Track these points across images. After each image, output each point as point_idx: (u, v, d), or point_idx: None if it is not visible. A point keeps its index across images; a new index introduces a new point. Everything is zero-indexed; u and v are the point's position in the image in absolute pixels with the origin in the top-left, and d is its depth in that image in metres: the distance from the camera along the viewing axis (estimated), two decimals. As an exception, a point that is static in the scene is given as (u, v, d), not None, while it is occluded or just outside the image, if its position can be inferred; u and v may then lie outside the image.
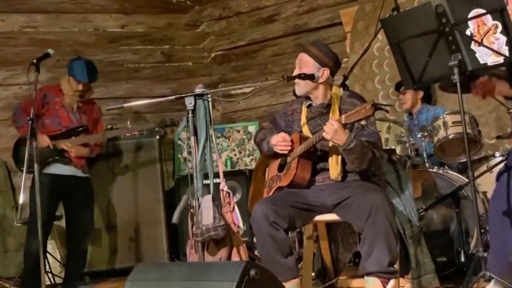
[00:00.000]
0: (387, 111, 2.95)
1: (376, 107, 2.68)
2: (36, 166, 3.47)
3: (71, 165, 4.38)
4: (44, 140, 4.24)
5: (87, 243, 4.57)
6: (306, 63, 3.08)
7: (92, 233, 4.66)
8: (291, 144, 3.07)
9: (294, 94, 3.93)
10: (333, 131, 2.78)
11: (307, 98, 3.16)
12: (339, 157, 2.96)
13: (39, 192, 3.56)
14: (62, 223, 4.59)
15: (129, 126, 5.11)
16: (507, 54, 2.52)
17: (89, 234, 4.57)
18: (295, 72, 3.08)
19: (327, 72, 3.07)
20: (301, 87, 3.09)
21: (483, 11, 2.54)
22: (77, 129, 4.43)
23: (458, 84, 2.66)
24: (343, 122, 2.78)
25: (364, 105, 2.71)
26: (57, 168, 4.36)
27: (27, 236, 4.27)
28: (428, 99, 4.70)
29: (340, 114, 2.87)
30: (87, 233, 4.51)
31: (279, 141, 3.09)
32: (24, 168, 3.64)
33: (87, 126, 4.47)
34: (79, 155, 4.41)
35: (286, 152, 3.09)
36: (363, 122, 2.80)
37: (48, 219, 4.19)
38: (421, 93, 4.59)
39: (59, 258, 4.88)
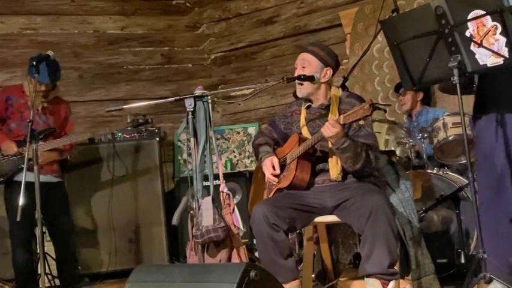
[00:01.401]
0: (385, 111, 2.96)
1: (374, 106, 2.68)
2: (36, 168, 3.47)
3: (45, 174, 4.13)
4: (11, 147, 4.03)
5: (73, 246, 4.46)
6: (309, 62, 3.07)
7: (88, 234, 4.61)
8: (277, 179, 3.11)
9: (294, 96, 3.93)
10: (334, 132, 2.78)
11: (307, 99, 3.16)
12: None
13: (39, 195, 3.56)
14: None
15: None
16: (507, 55, 2.52)
17: (72, 236, 4.45)
18: (297, 73, 3.06)
19: (330, 72, 3.08)
20: (304, 88, 3.07)
21: (483, 12, 2.54)
22: (44, 133, 4.12)
23: (458, 85, 2.66)
24: (341, 122, 2.78)
25: (362, 105, 2.71)
26: (29, 176, 3.78)
27: (12, 248, 4.17)
28: (427, 100, 4.70)
29: (339, 115, 2.87)
30: (69, 235, 4.38)
31: (269, 171, 3.12)
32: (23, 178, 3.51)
33: (54, 128, 4.22)
34: (48, 160, 4.17)
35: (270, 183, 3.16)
36: (361, 122, 2.80)
37: (29, 225, 4.05)
38: (421, 95, 4.59)
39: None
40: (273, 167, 3.11)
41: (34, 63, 3.90)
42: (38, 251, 3.76)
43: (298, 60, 3.12)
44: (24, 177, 3.54)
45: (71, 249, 4.44)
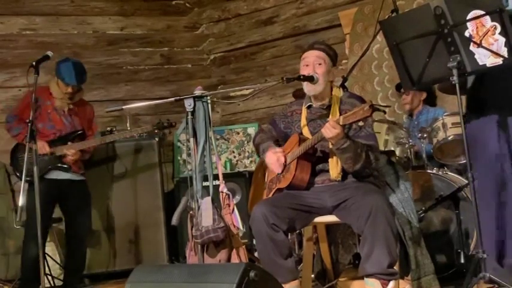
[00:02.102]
0: (385, 112, 2.96)
1: (374, 108, 2.68)
2: (36, 169, 3.47)
3: (69, 172, 4.34)
4: (43, 147, 4.18)
5: (85, 245, 4.55)
6: (324, 60, 3.05)
7: (90, 235, 4.64)
8: (282, 168, 3.09)
9: (294, 96, 3.93)
10: (334, 133, 2.78)
11: (308, 99, 3.15)
12: (339, 157, 2.96)
13: (39, 197, 3.56)
14: (62, 225, 4.59)
15: (128, 129, 5.07)
16: (506, 55, 2.52)
17: (87, 236, 4.55)
18: (308, 70, 3.02)
19: (335, 71, 3.09)
20: (319, 86, 3.02)
21: (482, 12, 2.54)
22: (73, 134, 4.36)
23: (457, 85, 2.66)
24: (341, 123, 2.78)
25: (362, 106, 2.71)
26: (54, 174, 4.32)
27: (24, 241, 4.26)
28: (430, 100, 4.69)
29: (340, 115, 2.87)
30: (85, 235, 4.48)
31: (273, 161, 3.10)
32: (23, 176, 3.59)
33: (82, 129, 4.41)
34: (77, 159, 4.36)
35: (276, 173, 3.12)
36: (361, 123, 2.80)
37: (45, 223, 4.14)
38: (424, 94, 4.59)
39: (58, 260, 4.88)
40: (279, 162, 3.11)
41: (62, 65, 4.20)
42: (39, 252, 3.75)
43: (310, 58, 3.07)
44: (23, 179, 3.57)
45: (83, 251, 4.49)
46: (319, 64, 3.05)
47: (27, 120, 3.56)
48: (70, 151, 4.28)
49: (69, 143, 4.31)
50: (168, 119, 4.68)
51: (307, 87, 3.06)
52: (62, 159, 4.30)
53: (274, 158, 3.11)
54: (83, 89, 4.48)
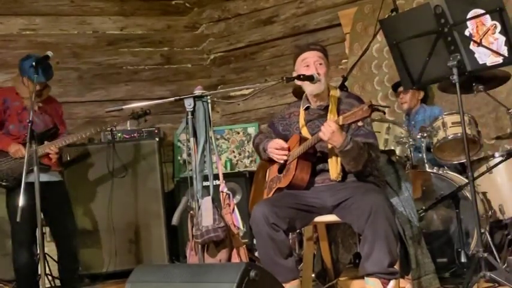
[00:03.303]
0: (384, 113, 2.94)
1: (373, 108, 2.68)
2: (36, 169, 3.47)
3: (48, 173, 4.19)
4: (20, 150, 4.03)
5: (75, 244, 4.45)
6: (324, 60, 3.08)
7: (76, 234, 4.57)
8: (287, 152, 3.07)
9: (294, 95, 3.93)
10: (330, 132, 2.78)
11: (306, 100, 3.16)
12: (339, 157, 2.96)
13: (39, 199, 3.56)
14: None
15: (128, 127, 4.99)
16: (506, 54, 2.52)
17: (74, 235, 4.45)
18: (309, 70, 3.03)
19: (330, 71, 3.11)
20: (323, 85, 3.03)
21: (482, 11, 2.55)
22: (47, 133, 4.19)
23: (457, 84, 2.66)
24: (340, 123, 2.78)
25: (361, 106, 2.71)
26: (32, 177, 3.86)
27: (12, 248, 4.17)
28: (425, 99, 4.70)
29: (339, 115, 2.87)
30: (71, 234, 4.39)
31: (276, 149, 3.09)
32: (23, 180, 3.55)
33: (55, 126, 4.26)
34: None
35: (282, 161, 3.09)
36: (360, 123, 2.80)
37: (31, 226, 4.02)
38: (421, 94, 4.59)
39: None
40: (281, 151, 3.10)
41: (33, 63, 3.92)
42: (39, 252, 3.75)
43: (310, 59, 3.07)
44: (23, 180, 3.56)
45: (73, 250, 4.44)
46: (320, 64, 3.06)
47: (27, 121, 3.54)
48: (52, 149, 4.12)
49: (45, 142, 4.13)
50: (142, 108, 4.48)
51: (309, 87, 3.05)
52: (41, 159, 4.08)
53: (275, 146, 3.10)
54: (49, 85, 4.30)
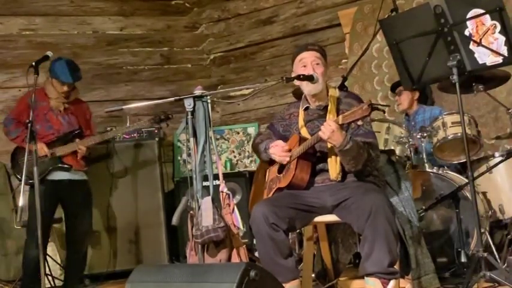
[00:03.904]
0: (384, 112, 2.95)
1: (373, 107, 2.68)
2: (35, 169, 3.47)
3: (70, 172, 4.32)
4: (42, 149, 4.15)
5: (86, 246, 4.53)
6: (322, 60, 3.08)
7: (91, 236, 4.63)
8: (289, 153, 3.07)
9: (294, 95, 3.92)
10: (330, 131, 2.78)
11: (305, 100, 3.16)
12: (338, 157, 2.96)
13: (39, 199, 3.55)
14: (62, 226, 4.58)
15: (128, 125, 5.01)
16: (506, 54, 2.52)
17: (88, 237, 4.54)
18: (306, 71, 3.04)
19: (328, 71, 3.10)
20: (320, 85, 3.03)
21: (482, 11, 2.55)
22: (71, 134, 4.33)
23: (457, 84, 2.66)
24: (340, 123, 2.78)
25: (360, 105, 2.71)
26: (55, 175, 4.29)
27: (25, 241, 4.25)
28: (424, 99, 4.69)
29: (338, 115, 2.87)
30: (86, 235, 4.46)
31: (278, 151, 3.09)
32: (23, 179, 3.59)
33: (80, 128, 4.38)
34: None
35: (284, 162, 3.09)
36: (360, 123, 2.80)
37: (47, 223, 4.13)
38: (417, 94, 4.59)
39: (59, 261, 4.88)
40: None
41: (56, 64, 4.17)
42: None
43: (307, 59, 3.07)
44: (23, 180, 3.58)
45: (83, 248, 4.48)
46: (317, 64, 3.06)
47: (27, 121, 3.56)
48: (81, 148, 4.28)
49: (69, 143, 4.29)
50: (164, 111, 4.61)
51: (307, 87, 3.05)
52: (62, 159, 4.28)
53: (277, 149, 3.10)
54: (77, 87, 4.42)
